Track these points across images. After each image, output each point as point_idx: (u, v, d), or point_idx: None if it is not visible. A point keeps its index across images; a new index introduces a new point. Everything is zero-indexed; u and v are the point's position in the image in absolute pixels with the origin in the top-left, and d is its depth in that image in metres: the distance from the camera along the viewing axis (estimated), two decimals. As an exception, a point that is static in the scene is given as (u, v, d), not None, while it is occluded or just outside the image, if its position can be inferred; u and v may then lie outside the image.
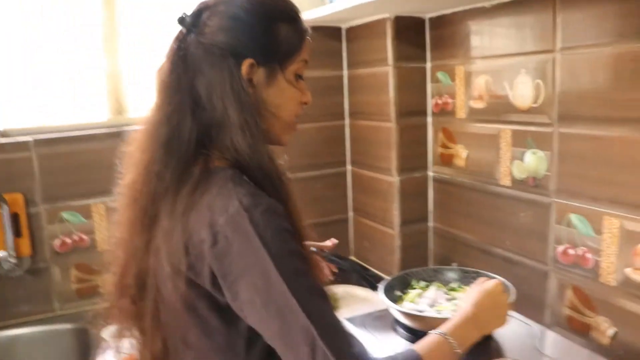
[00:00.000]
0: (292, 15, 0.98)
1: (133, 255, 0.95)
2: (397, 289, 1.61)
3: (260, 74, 0.94)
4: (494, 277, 1.52)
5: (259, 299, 0.82)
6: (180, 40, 0.94)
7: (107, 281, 1.02)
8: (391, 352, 0.88)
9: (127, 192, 0.96)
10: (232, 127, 0.89)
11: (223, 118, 0.90)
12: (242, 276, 0.82)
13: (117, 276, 0.99)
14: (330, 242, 1.40)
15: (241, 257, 0.82)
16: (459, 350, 0.96)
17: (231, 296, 0.85)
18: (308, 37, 1.00)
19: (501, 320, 1.14)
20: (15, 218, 1.81)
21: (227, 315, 0.89)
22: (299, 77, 1.00)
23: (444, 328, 0.99)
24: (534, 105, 1.52)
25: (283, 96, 0.97)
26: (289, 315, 0.80)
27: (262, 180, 0.91)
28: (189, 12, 0.95)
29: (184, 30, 0.94)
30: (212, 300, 0.89)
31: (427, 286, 1.61)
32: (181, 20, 0.95)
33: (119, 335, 1.02)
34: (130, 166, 0.97)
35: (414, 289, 1.59)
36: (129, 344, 1.04)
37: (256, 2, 0.94)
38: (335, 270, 1.41)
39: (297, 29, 0.97)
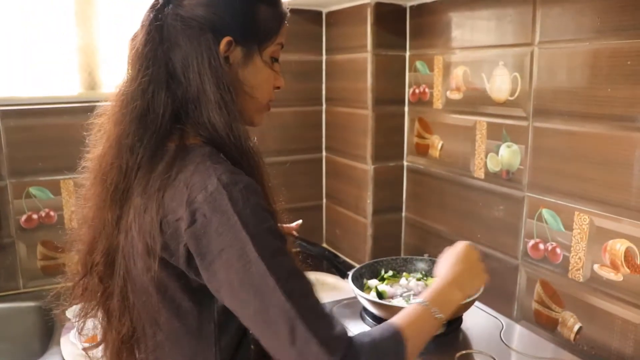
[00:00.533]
0: None
1: (101, 231, 0.92)
2: (367, 277, 1.60)
3: (237, 53, 0.92)
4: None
5: (237, 278, 0.79)
6: (157, 9, 0.91)
7: (72, 259, 0.99)
8: (368, 329, 0.87)
9: (96, 165, 0.93)
10: (209, 103, 0.88)
11: (199, 93, 0.88)
12: (220, 255, 0.80)
13: (83, 253, 0.96)
14: (294, 224, 1.40)
15: (219, 235, 0.80)
16: (441, 315, 0.93)
17: (208, 277, 0.82)
18: (286, 22, 0.98)
19: (481, 278, 1.08)
20: (-21, 192, 1.76)
21: (199, 297, 0.87)
22: (274, 60, 0.98)
23: (422, 297, 0.95)
24: (511, 99, 1.52)
25: (259, 77, 0.95)
26: (267, 295, 0.78)
27: (238, 159, 0.89)
28: None
29: (161, 0, 0.92)
30: (184, 282, 0.87)
31: (395, 275, 1.60)
32: None
33: (83, 315, 0.99)
34: (100, 139, 0.94)
35: (384, 279, 1.58)
36: (91, 325, 1.01)
37: None
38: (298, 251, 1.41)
39: (277, 12, 0.96)
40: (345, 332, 0.81)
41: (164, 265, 0.85)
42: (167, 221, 0.84)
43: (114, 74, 1.91)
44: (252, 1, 0.93)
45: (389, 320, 0.89)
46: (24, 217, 1.85)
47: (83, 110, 1.83)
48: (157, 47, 0.89)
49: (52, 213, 1.87)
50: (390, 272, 1.61)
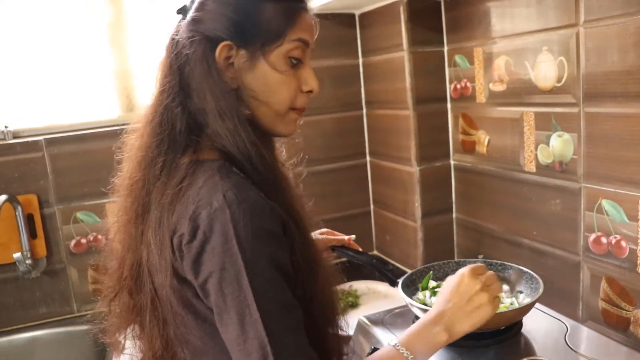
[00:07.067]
0: None
1: (129, 246, 0.93)
2: (419, 283, 1.53)
3: (241, 57, 0.89)
4: (509, 266, 1.45)
5: (225, 301, 0.78)
6: (176, 26, 0.93)
7: (107, 275, 1.00)
8: None
9: (125, 180, 0.95)
10: (210, 112, 0.87)
11: (203, 103, 0.88)
12: (212, 276, 0.79)
13: (114, 268, 0.97)
14: (347, 237, 1.39)
15: (215, 256, 0.78)
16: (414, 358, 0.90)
17: (203, 294, 0.82)
18: (308, 18, 0.92)
19: (481, 311, 0.96)
20: (29, 219, 1.80)
21: None
22: (296, 60, 0.91)
23: (400, 337, 0.92)
24: (558, 85, 1.43)
25: (266, 82, 0.90)
26: (249, 326, 0.77)
27: (249, 169, 0.87)
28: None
29: (181, 18, 0.93)
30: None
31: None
32: (181, 10, 0.94)
33: (121, 331, 1.00)
34: (130, 155, 0.96)
35: (425, 288, 1.50)
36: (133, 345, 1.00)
37: None
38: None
39: (283, 9, 0.89)
40: None
41: (185, 283, 0.85)
42: (176, 237, 0.83)
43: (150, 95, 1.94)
44: (251, 1, 0.89)
45: None
46: (73, 242, 1.88)
47: (123, 133, 1.87)
48: (172, 61, 0.90)
49: (99, 236, 1.90)
50: (435, 283, 1.52)
